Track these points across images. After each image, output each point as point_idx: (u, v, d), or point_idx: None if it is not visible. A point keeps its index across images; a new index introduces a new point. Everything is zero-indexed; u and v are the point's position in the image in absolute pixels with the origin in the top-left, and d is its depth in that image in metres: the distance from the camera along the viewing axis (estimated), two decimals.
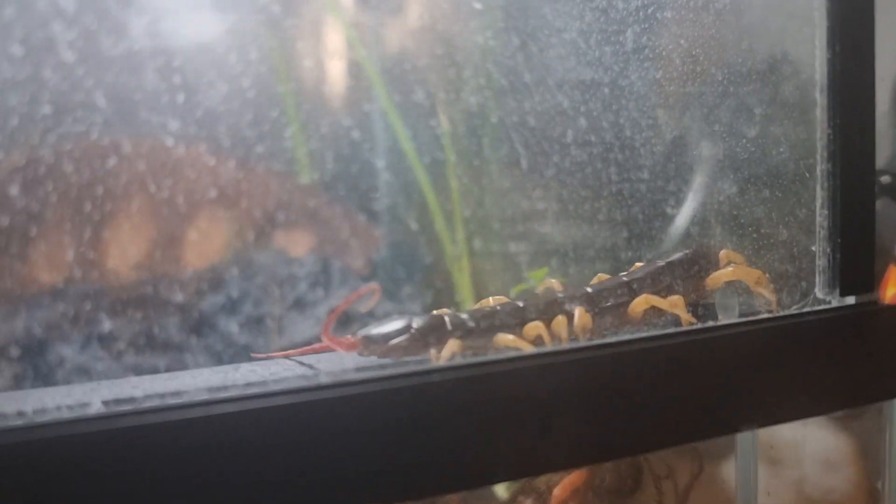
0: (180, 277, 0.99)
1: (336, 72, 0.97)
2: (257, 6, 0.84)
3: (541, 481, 0.97)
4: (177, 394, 0.57)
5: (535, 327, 0.66)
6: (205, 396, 0.55)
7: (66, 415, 0.52)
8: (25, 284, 0.95)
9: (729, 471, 1.02)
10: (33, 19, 0.56)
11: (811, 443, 1.21)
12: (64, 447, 0.49)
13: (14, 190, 0.62)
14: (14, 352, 0.79)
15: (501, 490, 1.02)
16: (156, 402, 0.53)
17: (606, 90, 0.95)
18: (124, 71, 0.61)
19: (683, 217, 0.91)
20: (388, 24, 1.02)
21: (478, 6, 0.97)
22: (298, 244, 1.06)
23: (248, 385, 0.57)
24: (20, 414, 0.53)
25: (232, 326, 0.94)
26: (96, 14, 0.58)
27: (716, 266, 0.72)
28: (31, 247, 0.85)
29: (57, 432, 0.50)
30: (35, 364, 0.81)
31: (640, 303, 0.68)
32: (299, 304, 0.97)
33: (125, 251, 0.97)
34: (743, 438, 0.98)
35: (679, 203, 0.88)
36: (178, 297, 0.96)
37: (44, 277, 0.96)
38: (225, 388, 0.58)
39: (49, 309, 0.96)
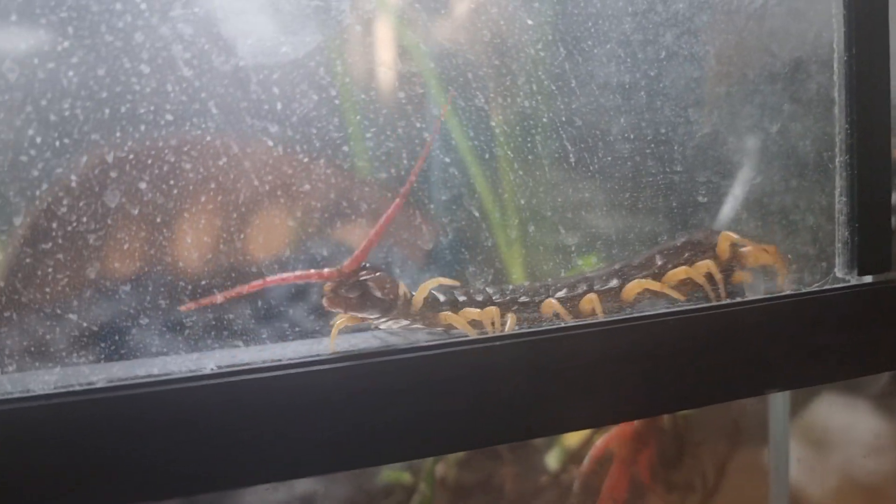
0: (251, 268, 1.09)
1: (394, 73, 1.05)
2: (322, 19, 0.94)
3: (590, 450, 1.05)
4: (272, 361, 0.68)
5: (589, 300, 0.76)
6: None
7: (188, 375, 0.63)
8: (123, 270, 1.06)
9: (763, 455, 1.08)
10: (158, 41, 0.68)
11: (858, 427, 1.24)
12: (187, 400, 0.60)
13: (139, 184, 0.74)
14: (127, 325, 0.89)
15: (553, 461, 1.10)
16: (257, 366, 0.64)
17: (646, 90, 1.03)
18: (230, 83, 0.72)
19: (719, 205, 0.99)
20: (444, 25, 1.10)
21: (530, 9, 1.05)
22: (359, 236, 1.15)
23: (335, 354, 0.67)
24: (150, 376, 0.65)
25: (300, 312, 1.03)
26: (209, 37, 0.70)
27: (711, 251, 0.79)
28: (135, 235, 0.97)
29: (183, 386, 0.60)
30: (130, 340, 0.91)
31: (634, 287, 0.77)
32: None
33: (204, 241, 1.07)
34: (775, 420, 1.05)
35: (714, 192, 0.95)
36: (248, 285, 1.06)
37: (129, 266, 1.07)
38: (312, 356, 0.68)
39: (138, 294, 1.07)
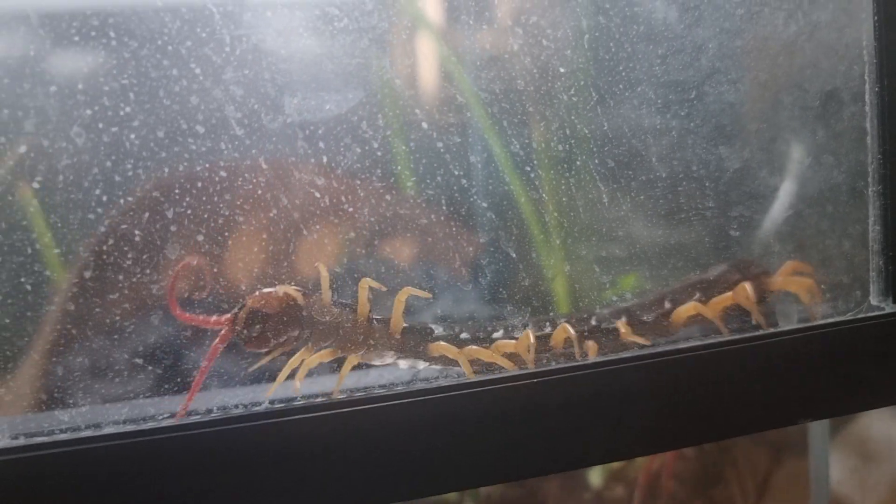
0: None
1: (436, 95, 1.08)
2: (364, 76, 0.98)
3: (630, 469, 1.08)
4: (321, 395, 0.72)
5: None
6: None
7: (240, 412, 0.67)
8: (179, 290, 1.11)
9: (804, 468, 1.09)
10: (212, 105, 0.72)
11: None
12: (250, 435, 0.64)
13: (197, 236, 0.78)
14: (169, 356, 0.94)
15: (595, 478, 1.12)
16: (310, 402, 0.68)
17: (687, 111, 1.04)
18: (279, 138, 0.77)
19: (757, 229, 1.00)
20: (484, 43, 1.12)
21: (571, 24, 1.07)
22: (403, 252, 1.18)
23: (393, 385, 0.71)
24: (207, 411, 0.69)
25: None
26: (258, 97, 0.74)
27: (749, 277, 0.81)
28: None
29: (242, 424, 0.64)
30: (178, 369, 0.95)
31: (687, 309, 0.79)
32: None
33: (255, 261, 1.11)
34: (814, 435, 1.06)
35: (747, 223, 0.97)
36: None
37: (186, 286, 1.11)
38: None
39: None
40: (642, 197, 1.09)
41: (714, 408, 0.74)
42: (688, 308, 0.78)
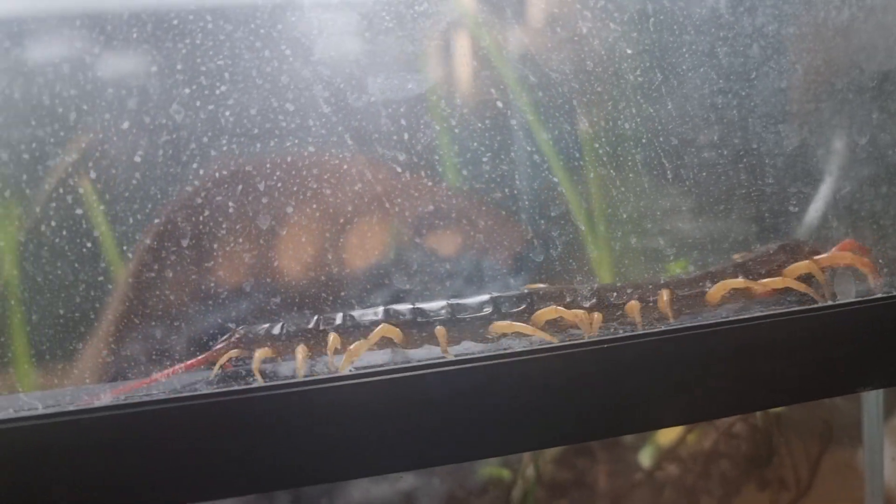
0: (349, 275, 1.17)
1: (483, 86, 1.11)
2: (416, 42, 1.01)
3: (682, 448, 1.09)
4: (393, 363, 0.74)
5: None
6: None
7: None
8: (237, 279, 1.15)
9: (858, 456, 1.10)
10: (302, 83, 0.76)
11: None
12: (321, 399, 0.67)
13: (286, 209, 0.82)
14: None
15: (646, 459, 1.14)
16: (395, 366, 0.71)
17: (736, 97, 1.06)
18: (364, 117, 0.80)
19: (810, 211, 1.02)
20: (529, 34, 1.15)
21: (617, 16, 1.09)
22: (449, 244, 1.21)
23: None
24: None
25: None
26: (345, 78, 0.77)
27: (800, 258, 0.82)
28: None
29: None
30: None
31: (719, 288, 0.80)
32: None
33: (309, 252, 1.15)
34: (869, 421, 1.07)
35: (804, 199, 0.98)
36: (347, 292, 1.13)
37: (239, 275, 1.15)
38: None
39: (243, 303, 1.15)
40: (694, 183, 1.11)
41: (772, 375, 0.76)
42: (736, 282, 0.80)
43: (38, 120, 1.12)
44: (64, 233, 1.14)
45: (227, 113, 0.97)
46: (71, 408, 0.69)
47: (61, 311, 1.13)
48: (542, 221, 1.20)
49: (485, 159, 1.03)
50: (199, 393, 0.66)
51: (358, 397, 0.66)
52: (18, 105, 1.13)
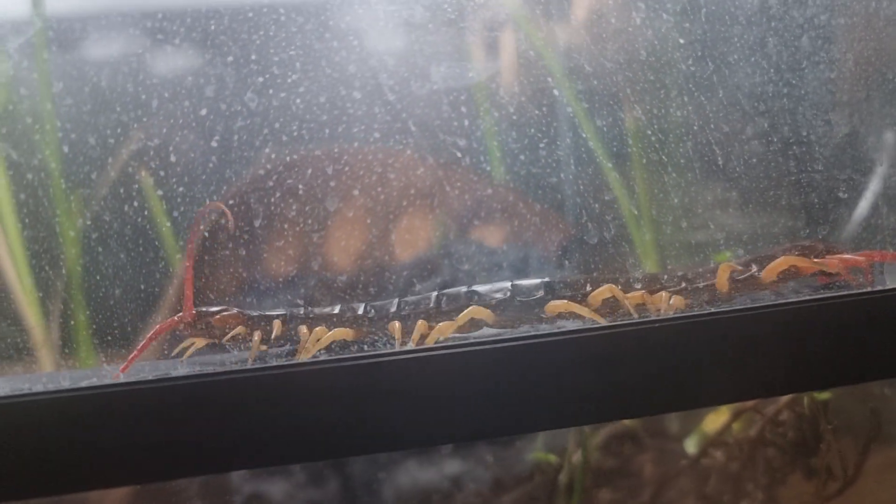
0: (397, 266, 1.20)
1: (529, 82, 1.13)
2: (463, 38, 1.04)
3: (728, 435, 1.10)
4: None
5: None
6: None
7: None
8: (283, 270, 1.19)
9: None
10: (368, 74, 0.79)
11: None
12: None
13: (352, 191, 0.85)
14: None
15: (691, 446, 1.15)
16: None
17: (782, 89, 1.07)
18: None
19: (855, 204, 1.02)
20: (574, 29, 1.17)
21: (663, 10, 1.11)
22: (495, 236, 1.23)
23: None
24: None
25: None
26: (408, 66, 0.80)
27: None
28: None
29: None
30: None
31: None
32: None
33: (361, 243, 1.18)
34: None
35: (852, 190, 0.99)
36: (396, 282, 1.16)
37: (289, 265, 1.19)
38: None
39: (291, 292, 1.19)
40: (740, 174, 1.12)
41: (821, 357, 0.78)
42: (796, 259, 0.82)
43: (99, 114, 1.16)
44: (124, 223, 1.19)
45: (288, 105, 1.01)
46: (153, 376, 0.72)
47: (121, 299, 1.17)
48: (597, 213, 1.22)
49: (540, 148, 1.05)
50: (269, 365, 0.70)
51: (436, 370, 0.69)
52: (81, 100, 1.17)
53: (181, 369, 0.77)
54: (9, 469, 0.69)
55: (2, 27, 1.17)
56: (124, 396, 0.67)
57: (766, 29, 1.10)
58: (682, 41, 1.12)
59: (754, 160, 1.16)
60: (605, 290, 0.78)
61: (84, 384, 0.70)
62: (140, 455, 0.67)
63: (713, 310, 0.81)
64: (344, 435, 0.68)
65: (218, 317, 0.80)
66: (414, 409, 0.69)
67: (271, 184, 1.05)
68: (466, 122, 0.96)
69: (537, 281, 0.80)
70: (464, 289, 0.80)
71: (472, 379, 0.69)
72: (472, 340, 0.72)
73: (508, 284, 0.79)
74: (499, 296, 0.78)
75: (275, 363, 0.70)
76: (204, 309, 0.80)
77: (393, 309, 0.78)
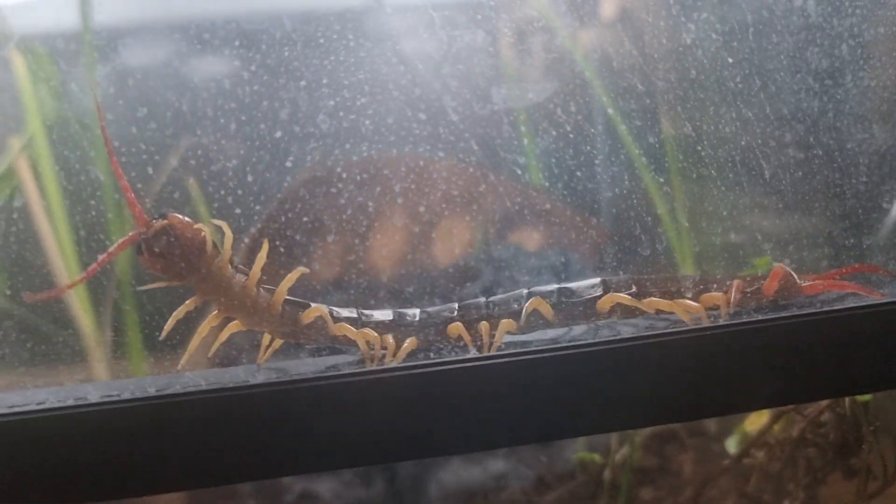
0: (438, 270, 1.22)
1: (565, 90, 1.16)
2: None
3: (769, 435, 1.13)
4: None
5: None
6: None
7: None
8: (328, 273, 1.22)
9: None
10: (432, 94, 0.82)
11: None
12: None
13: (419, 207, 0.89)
14: None
15: (732, 446, 1.17)
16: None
17: (820, 95, 1.09)
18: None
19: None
20: (609, 34, 1.19)
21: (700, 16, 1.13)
22: (534, 240, 1.26)
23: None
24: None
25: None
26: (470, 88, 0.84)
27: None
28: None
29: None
30: None
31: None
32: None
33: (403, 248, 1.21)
34: None
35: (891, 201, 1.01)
36: (437, 285, 1.19)
37: (335, 269, 1.22)
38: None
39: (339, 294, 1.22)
40: (779, 182, 1.13)
41: (863, 362, 0.81)
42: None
43: (146, 121, 1.20)
44: None
45: (331, 111, 1.04)
46: (202, 387, 0.75)
47: (170, 303, 1.21)
48: (618, 216, 1.24)
49: (583, 159, 1.08)
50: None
51: (503, 375, 0.72)
52: (129, 107, 1.21)
53: (259, 376, 0.80)
54: (77, 473, 0.72)
55: (53, 39, 1.21)
56: (212, 401, 0.71)
57: (806, 36, 1.11)
58: (720, 50, 1.13)
59: (792, 168, 1.17)
60: (661, 303, 0.81)
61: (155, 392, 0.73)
62: (241, 455, 0.71)
63: (760, 317, 0.83)
64: (416, 439, 0.71)
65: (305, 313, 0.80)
66: (487, 412, 0.72)
67: (315, 190, 1.08)
68: (517, 139, 1.00)
69: (594, 280, 0.83)
70: (524, 290, 0.82)
71: (539, 383, 0.72)
72: (539, 347, 0.75)
73: (563, 286, 0.82)
74: (551, 298, 0.81)
75: (356, 370, 0.74)
76: (293, 299, 0.81)
77: (450, 313, 0.81)
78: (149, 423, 0.71)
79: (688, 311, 0.80)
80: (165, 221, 0.76)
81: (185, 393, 0.73)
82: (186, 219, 0.77)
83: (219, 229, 0.78)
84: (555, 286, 0.82)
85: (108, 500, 0.72)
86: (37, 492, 0.69)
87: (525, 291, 0.82)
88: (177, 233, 0.75)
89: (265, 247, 0.80)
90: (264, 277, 0.80)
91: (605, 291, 0.81)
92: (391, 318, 0.81)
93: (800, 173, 1.17)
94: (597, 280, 0.83)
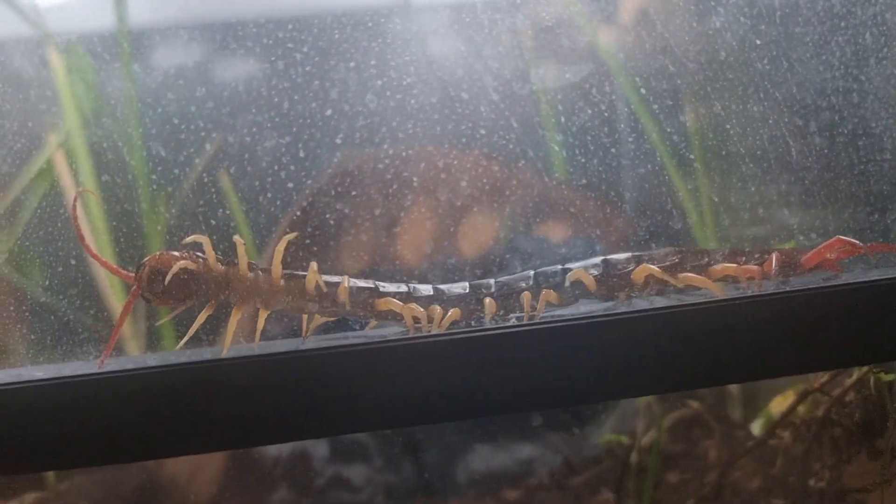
0: (464, 261, 1.25)
1: (590, 82, 1.18)
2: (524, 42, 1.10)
3: (794, 416, 1.14)
4: None
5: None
6: None
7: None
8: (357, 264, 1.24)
9: None
10: (475, 74, 0.85)
11: None
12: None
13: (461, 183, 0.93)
14: None
15: (757, 427, 1.19)
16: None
17: (846, 85, 1.11)
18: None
19: None
20: (632, 25, 1.22)
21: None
22: (557, 231, 1.28)
23: None
24: None
25: None
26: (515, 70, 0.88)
27: None
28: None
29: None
30: None
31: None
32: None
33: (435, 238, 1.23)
34: None
35: None
36: (464, 276, 1.21)
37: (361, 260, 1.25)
38: None
39: None
40: (806, 154, 1.16)
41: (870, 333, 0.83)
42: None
43: (180, 119, 1.23)
44: (205, 222, 1.25)
45: (364, 106, 1.08)
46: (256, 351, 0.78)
47: None
48: (644, 208, 1.26)
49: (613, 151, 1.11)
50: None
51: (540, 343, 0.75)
52: (164, 105, 1.25)
53: (308, 343, 0.83)
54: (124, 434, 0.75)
55: (90, 40, 1.25)
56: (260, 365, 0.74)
57: (833, 24, 1.14)
58: (747, 39, 1.16)
59: (817, 155, 1.19)
60: (693, 279, 0.83)
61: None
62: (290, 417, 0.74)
63: (788, 289, 0.86)
64: (466, 400, 0.74)
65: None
66: (528, 376, 0.75)
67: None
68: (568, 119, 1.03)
69: (628, 254, 0.86)
70: (559, 266, 0.85)
71: (579, 349, 0.75)
72: (578, 315, 0.78)
73: (600, 259, 0.85)
74: (593, 271, 0.84)
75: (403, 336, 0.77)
76: (329, 279, 0.84)
77: (492, 290, 0.83)
78: (206, 384, 0.74)
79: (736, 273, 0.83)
80: (146, 268, 0.79)
81: (237, 357, 0.76)
82: (164, 254, 0.80)
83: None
84: (598, 258, 0.85)
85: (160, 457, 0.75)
86: (114, 447, 0.73)
87: (560, 267, 0.85)
88: (163, 268, 0.79)
89: (283, 243, 0.83)
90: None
91: (639, 264, 0.84)
92: (432, 293, 0.83)
93: (824, 158, 1.19)
94: (630, 255, 0.86)
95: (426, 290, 0.83)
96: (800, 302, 0.83)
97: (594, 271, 0.83)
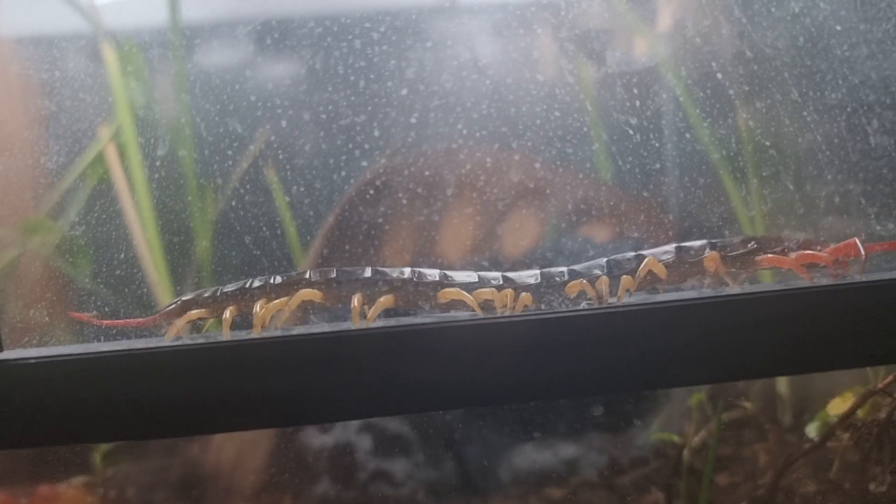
0: (506, 260, 1.24)
1: (636, 82, 1.18)
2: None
3: (857, 417, 1.11)
4: None
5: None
6: None
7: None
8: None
9: None
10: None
11: None
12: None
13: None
14: None
15: (812, 430, 1.16)
16: None
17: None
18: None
19: None
20: (681, 27, 1.21)
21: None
22: (602, 231, 1.27)
23: None
24: None
25: None
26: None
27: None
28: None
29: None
30: None
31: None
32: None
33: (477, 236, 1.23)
34: None
35: None
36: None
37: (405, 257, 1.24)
38: None
39: None
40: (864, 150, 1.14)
41: None
42: None
43: (229, 114, 1.24)
44: (252, 217, 1.26)
45: (403, 107, 1.09)
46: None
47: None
48: (688, 205, 1.25)
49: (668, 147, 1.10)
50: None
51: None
52: (213, 100, 1.26)
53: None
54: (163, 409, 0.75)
55: (142, 35, 1.27)
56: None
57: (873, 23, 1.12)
58: (793, 38, 1.15)
59: (868, 156, 1.17)
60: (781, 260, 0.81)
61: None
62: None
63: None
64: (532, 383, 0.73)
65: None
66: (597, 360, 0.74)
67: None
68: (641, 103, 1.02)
69: (703, 241, 0.84)
70: (631, 254, 0.83)
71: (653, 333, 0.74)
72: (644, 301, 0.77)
73: (673, 246, 0.83)
74: (666, 257, 0.82)
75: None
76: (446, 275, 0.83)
77: (566, 277, 0.82)
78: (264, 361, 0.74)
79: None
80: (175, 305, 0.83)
81: (296, 335, 0.75)
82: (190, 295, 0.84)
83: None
84: (671, 245, 0.84)
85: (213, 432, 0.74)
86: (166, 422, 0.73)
87: (632, 254, 0.84)
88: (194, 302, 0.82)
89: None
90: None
91: (713, 250, 0.83)
92: (502, 281, 0.82)
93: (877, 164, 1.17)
94: (704, 242, 0.85)
95: (495, 278, 0.82)
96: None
97: (666, 257, 0.82)
